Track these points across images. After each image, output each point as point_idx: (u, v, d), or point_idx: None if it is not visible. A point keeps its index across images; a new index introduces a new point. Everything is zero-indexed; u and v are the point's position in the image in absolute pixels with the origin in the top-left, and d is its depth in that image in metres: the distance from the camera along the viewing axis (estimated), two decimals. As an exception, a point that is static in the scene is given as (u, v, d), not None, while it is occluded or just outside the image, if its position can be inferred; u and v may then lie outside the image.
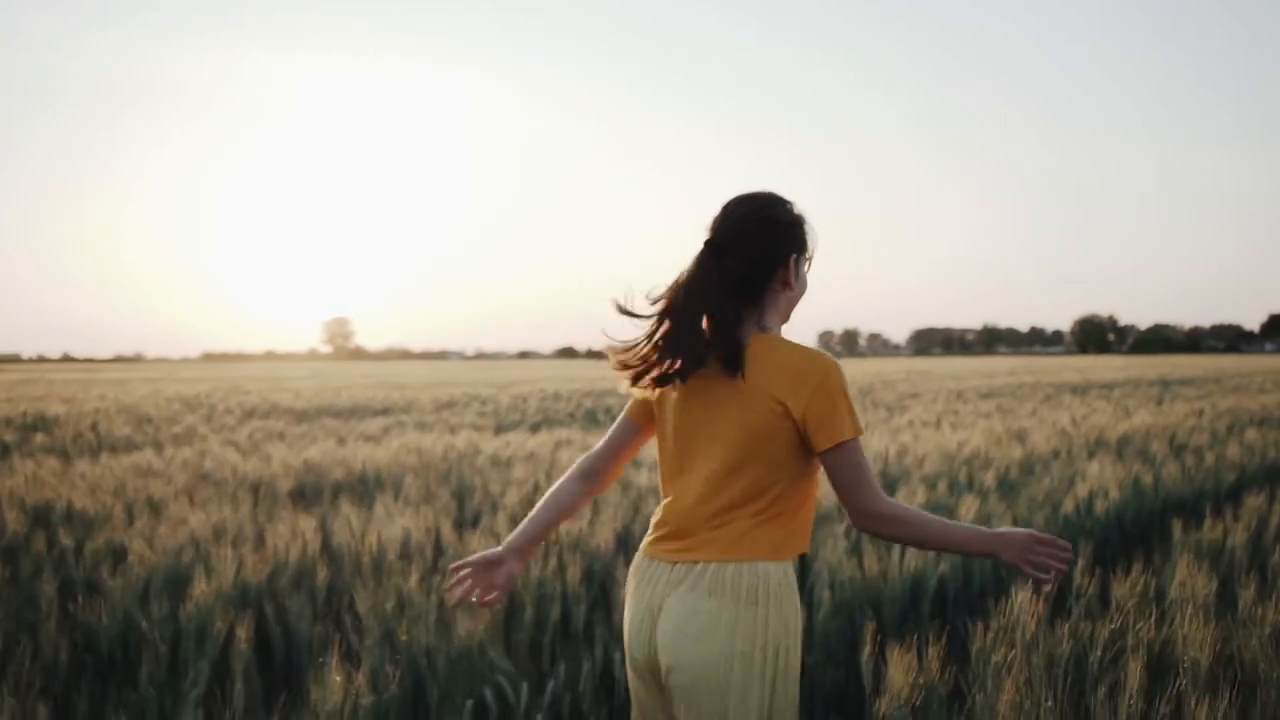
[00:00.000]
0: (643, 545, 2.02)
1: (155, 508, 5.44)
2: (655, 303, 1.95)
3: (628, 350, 1.96)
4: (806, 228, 2.00)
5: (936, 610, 4.15)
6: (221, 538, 4.58)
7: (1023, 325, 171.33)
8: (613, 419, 13.63)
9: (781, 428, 1.88)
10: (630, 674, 2.02)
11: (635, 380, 1.95)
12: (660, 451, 2.04)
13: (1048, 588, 1.96)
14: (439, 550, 4.34)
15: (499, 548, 2.08)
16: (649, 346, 1.93)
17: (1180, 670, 2.52)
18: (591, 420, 13.47)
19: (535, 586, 3.79)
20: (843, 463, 1.87)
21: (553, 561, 3.88)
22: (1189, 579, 3.26)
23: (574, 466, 2.15)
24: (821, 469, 1.94)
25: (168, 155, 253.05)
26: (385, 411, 14.38)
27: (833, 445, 1.86)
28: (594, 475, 2.13)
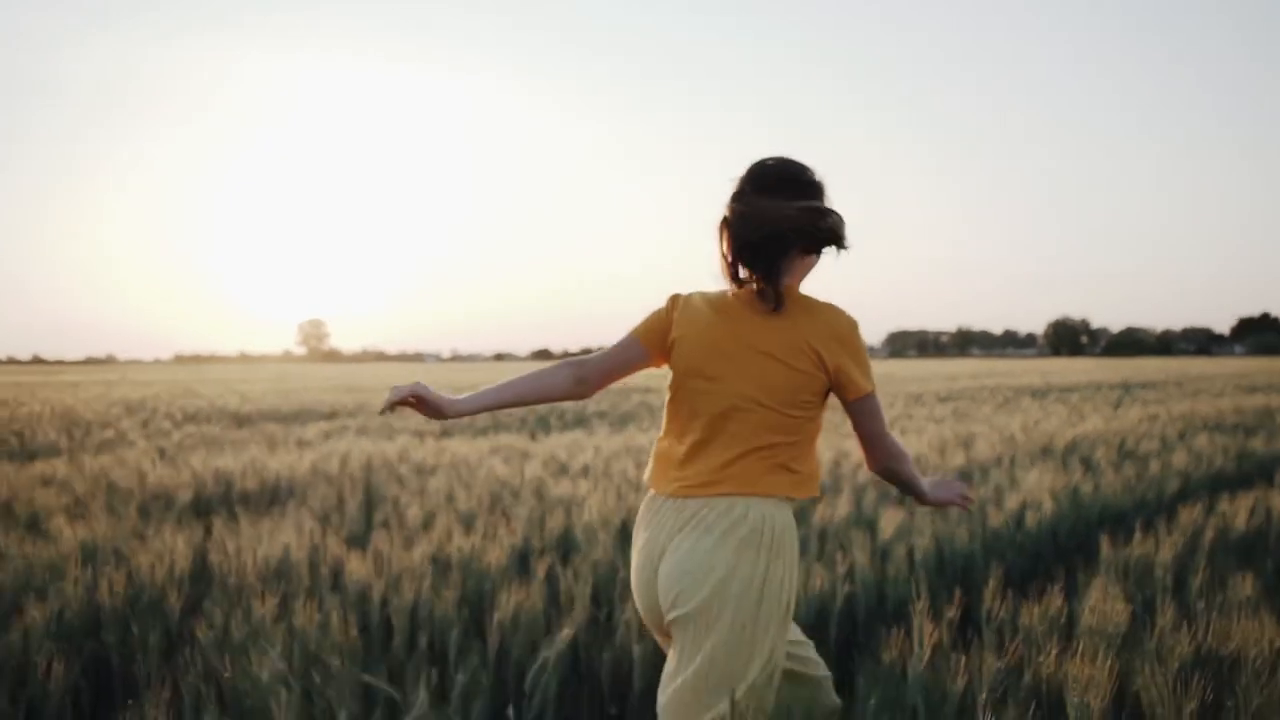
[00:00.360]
0: (659, 482, 2.05)
1: (35, 521, 5.10)
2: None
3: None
4: (825, 194, 2.06)
5: (846, 631, 3.88)
6: (93, 556, 4.26)
7: (996, 328, 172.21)
8: (566, 425, 13.45)
9: (815, 375, 1.98)
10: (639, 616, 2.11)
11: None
12: (679, 389, 2.07)
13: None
14: (314, 570, 4.02)
15: (455, 398, 2.08)
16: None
17: (1069, 713, 2.25)
18: (543, 425, 13.16)
19: (408, 611, 3.49)
20: (868, 410, 2.04)
21: (427, 582, 3.58)
22: (1101, 604, 2.99)
23: (565, 363, 2.14)
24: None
25: (146, 157, 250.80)
26: (331, 416, 14.01)
27: (860, 395, 2.01)
28: (584, 380, 2.14)
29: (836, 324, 2.01)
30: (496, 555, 4.05)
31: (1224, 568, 3.93)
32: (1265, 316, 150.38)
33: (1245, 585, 3.33)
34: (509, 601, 3.40)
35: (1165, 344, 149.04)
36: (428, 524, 4.81)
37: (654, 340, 2.12)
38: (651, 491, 2.09)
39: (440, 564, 4.08)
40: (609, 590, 3.80)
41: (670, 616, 1.97)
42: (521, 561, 4.19)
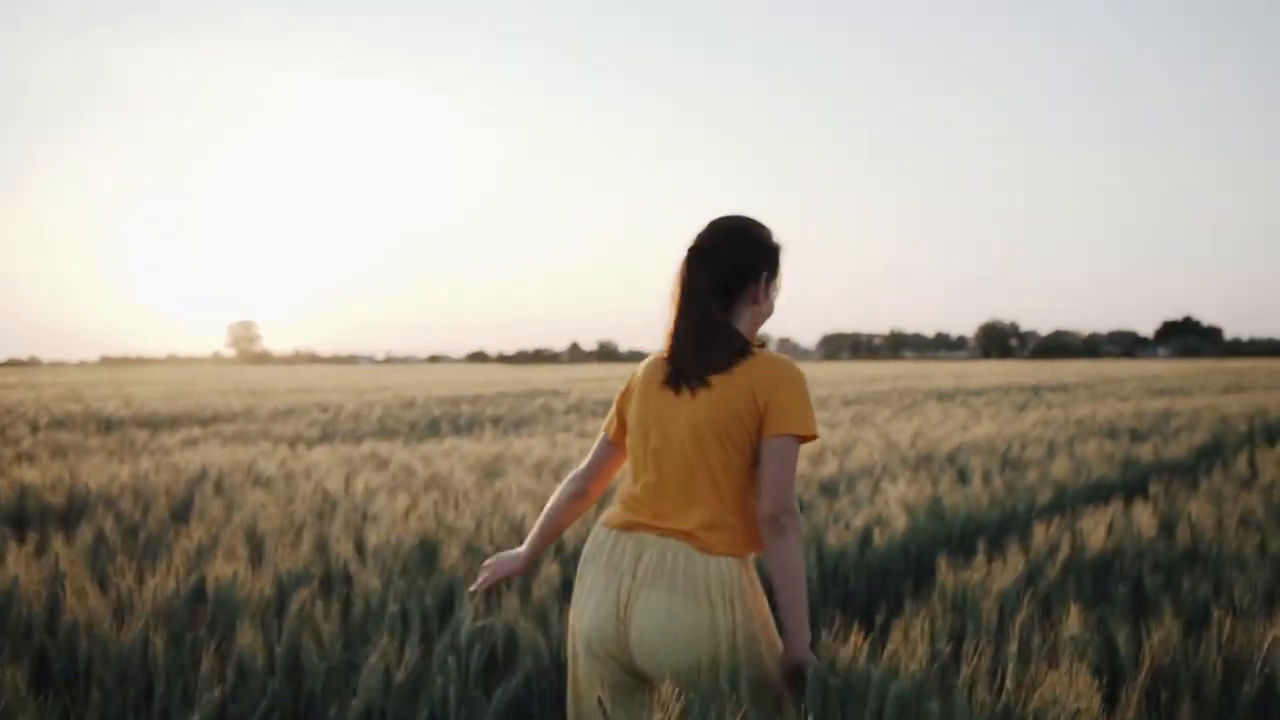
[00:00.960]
0: (607, 518, 2.09)
1: None
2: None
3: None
4: (781, 255, 2.14)
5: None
6: None
7: (929, 330, 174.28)
8: (458, 429, 12.92)
9: (751, 415, 2.00)
10: (583, 656, 2.07)
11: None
12: (630, 438, 2.12)
13: None
14: (27, 616, 3.44)
15: (513, 556, 2.30)
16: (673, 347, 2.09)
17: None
18: (433, 430, 12.60)
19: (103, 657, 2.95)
20: (777, 452, 1.97)
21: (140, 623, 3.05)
22: (901, 647, 2.55)
23: (564, 483, 2.27)
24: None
25: (69, 157, 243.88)
26: (210, 421, 13.29)
27: (777, 434, 1.97)
28: (584, 494, 2.25)
29: (776, 368, 2.04)
30: (259, 586, 3.54)
31: (1067, 594, 3.55)
32: (1188, 320, 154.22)
33: (1073, 621, 2.93)
34: (233, 646, 2.89)
35: (1092, 346, 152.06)
36: (204, 550, 4.25)
37: (615, 429, 2.21)
38: (602, 525, 2.12)
39: (190, 596, 3.55)
40: (363, 627, 3.30)
41: (655, 677, 2.00)
42: (281, 593, 3.67)
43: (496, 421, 13.32)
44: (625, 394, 2.20)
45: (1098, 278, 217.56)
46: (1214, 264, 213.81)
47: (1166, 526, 4.46)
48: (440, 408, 15.09)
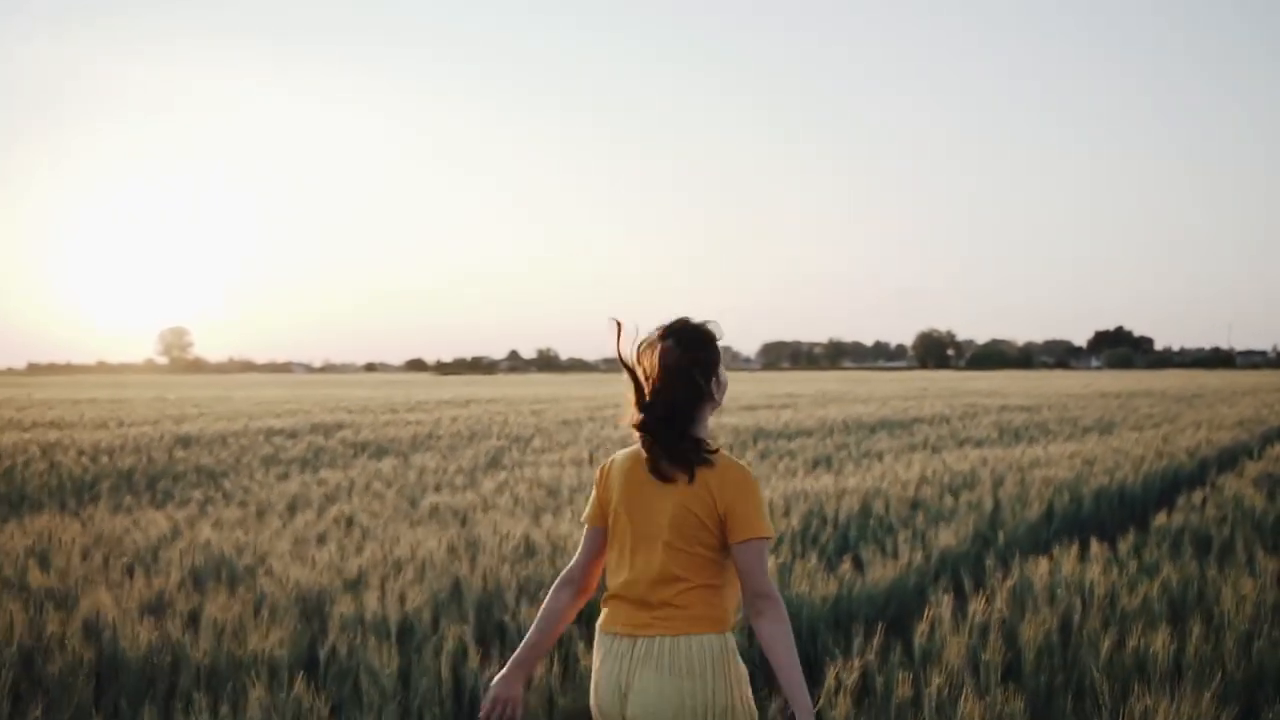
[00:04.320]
0: (602, 622, 2.34)
1: None
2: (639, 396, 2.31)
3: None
4: (717, 345, 2.35)
5: None
6: None
7: (868, 339, 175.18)
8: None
9: (708, 514, 2.24)
10: None
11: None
12: (610, 537, 2.36)
13: None
14: None
15: (504, 670, 2.42)
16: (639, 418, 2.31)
17: None
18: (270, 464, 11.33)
19: None
20: (749, 554, 2.23)
21: None
22: None
23: (557, 586, 2.44)
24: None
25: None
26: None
27: (743, 539, 2.22)
28: (574, 586, 2.44)
29: (731, 475, 2.26)
30: None
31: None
32: (1119, 330, 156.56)
33: None
34: None
35: (1027, 356, 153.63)
36: None
37: (598, 517, 2.40)
38: (601, 631, 2.34)
39: None
40: None
41: None
42: None
43: (364, 448, 12.05)
44: (603, 484, 2.39)
45: (1033, 288, 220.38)
46: (1146, 276, 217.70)
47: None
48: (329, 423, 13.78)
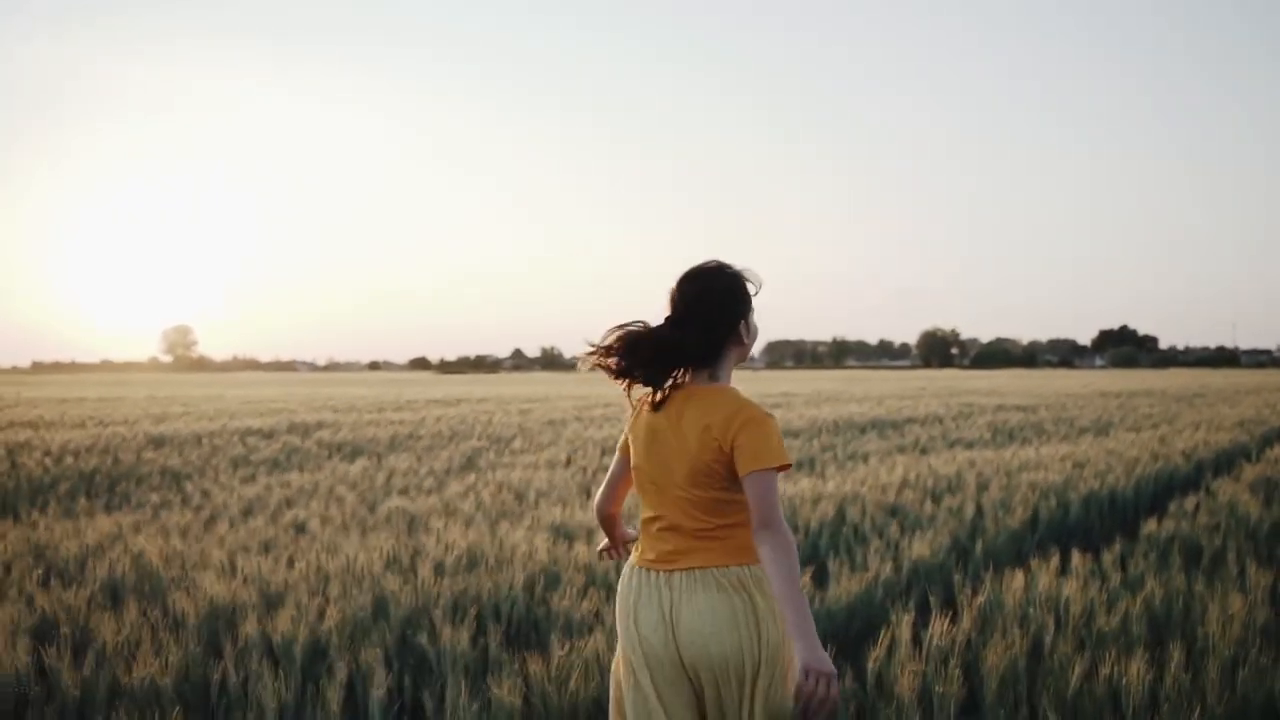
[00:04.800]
0: (634, 559, 2.39)
1: None
2: (616, 333, 2.31)
3: (597, 354, 2.33)
4: (749, 285, 2.37)
5: None
6: None
7: (872, 338, 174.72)
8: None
9: (718, 457, 2.25)
10: (653, 674, 2.27)
11: (617, 375, 2.34)
12: (635, 476, 2.43)
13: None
14: None
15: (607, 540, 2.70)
16: (614, 358, 2.31)
17: None
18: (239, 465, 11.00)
19: None
20: (753, 486, 2.21)
21: None
22: None
23: (596, 502, 2.63)
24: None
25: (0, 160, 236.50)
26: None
27: (747, 472, 2.22)
28: (605, 512, 2.62)
29: (735, 412, 2.25)
30: None
31: None
32: (1124, 329, 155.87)
33: None
34: None
35: (1031, 355, 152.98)
36: None
37: (625, 448, 2.50)
38: (632, 561, 2.40)
39: None
40: None
41: (701, 668, 2.25)
42: None
43: (339, 448, 11.73)
44: (634, 420, 2.44)
45: (1037, 287, 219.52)
46: (1150, 275, 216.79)
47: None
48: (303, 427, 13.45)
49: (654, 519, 2.34)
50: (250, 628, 3.81)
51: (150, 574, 5.08)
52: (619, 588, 2.39)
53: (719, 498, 2.27)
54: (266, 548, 5.89)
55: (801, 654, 2.07)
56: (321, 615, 4.02)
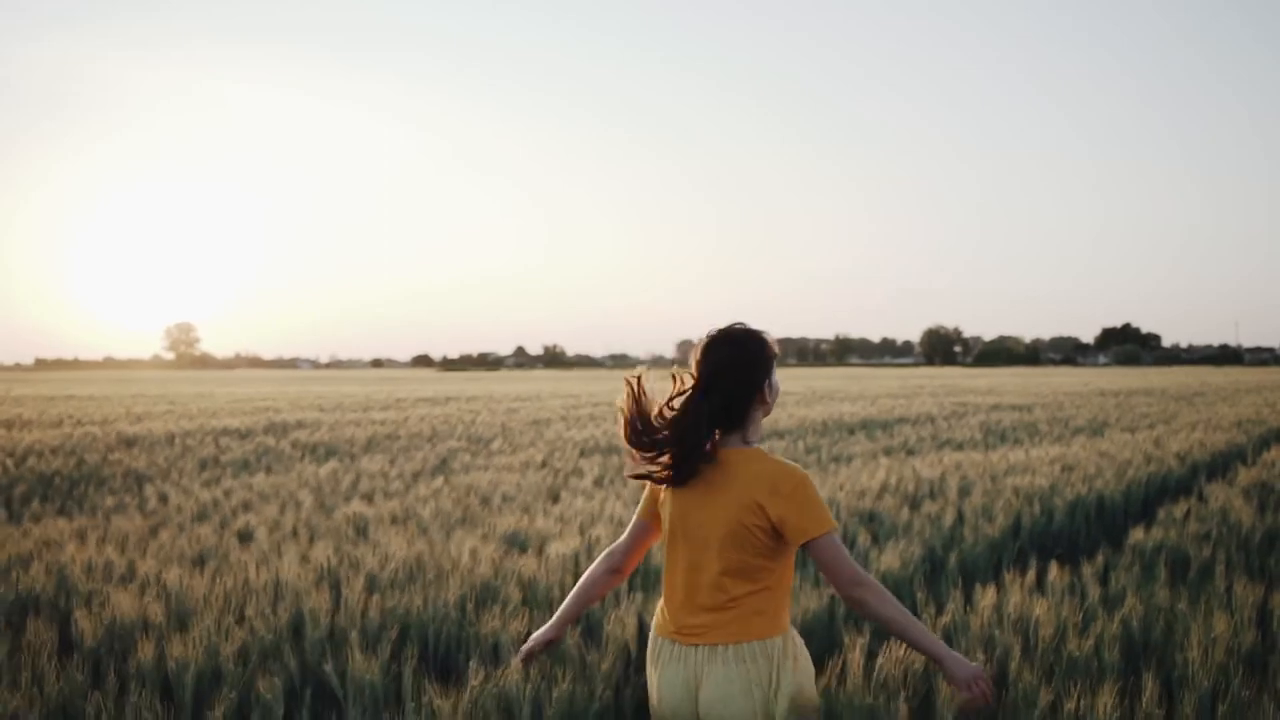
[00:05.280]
0: (658, 626, 2.49)
1: None
2: (661, 431, 2.41)
3: (647, 459, 2.43)
4: (770, 348, 2.46)
5: None
6: None
7: (875, 336, 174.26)
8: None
9: (761, 524, 2.34)
10: None
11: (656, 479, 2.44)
12: (667, 544, 2.48)
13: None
14: None
15: (547, 627, 2.78)
16: (664, 458, 2.41)
17: None
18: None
19: None
20: (822, 552, 2.33)
21: None
22: None
23: (600, 560, 2.68)
24: (796, 553, 2.42)
25: (3, 159, 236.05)
26: None
27: (807, 540, 2.33)
28: (615, 570, 2.66)
29: (780, 479, 2.34)
30: None
31: None
32: (1127, 327, 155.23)
33: None
34: None
35: (1034, 352, 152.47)
36: None
37: (650, 512, 2.58)
38: (654, 632, 2.50)
39: None
40: None
41: None
42: None
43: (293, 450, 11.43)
44: (655, 486, 2.53)
45: (1040, 285, 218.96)
46: (1153, 273, 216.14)
47: None
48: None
49: (678, 589, 2.44)
50: (147, 652, 3.50)
51: (71, 587, 4.78)
52: (647, 653, 2.54)
53: (752, 563, 2.36)
54: (202, 558, 5.59)
55: (956, 671, 2.37)
56: (228, 635, 3.72)
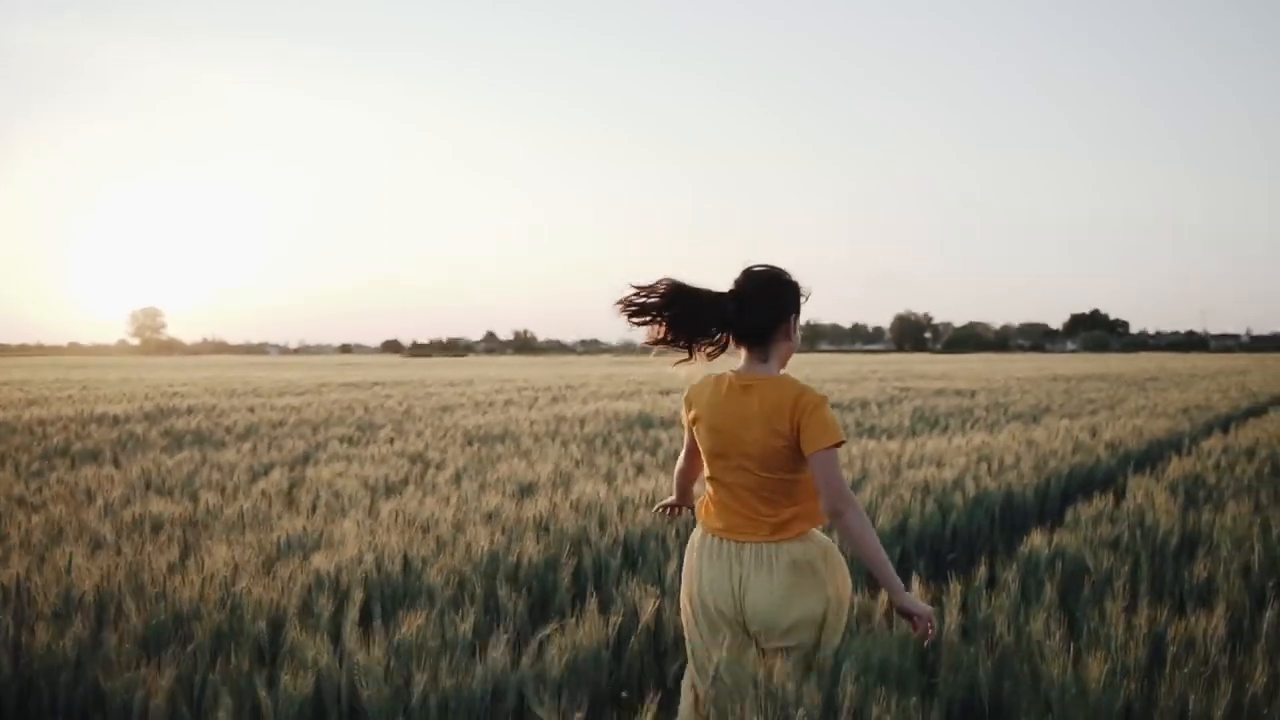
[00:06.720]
0: (706, 521, 2.66)
1: None
2: (651, 293, 2.54)
3: (641, 293, 2.55)
4: (800, 290, 2.64)
5: None
6: None
7: (846, 321, 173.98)
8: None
9: (788, 442, 2.49)
10: (700, 620, 2.63)
11: (683, 349, 2.60)
12: (705, 457, 2.67)
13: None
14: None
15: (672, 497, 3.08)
16: (663, 329, 2.57)
17: None
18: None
19: None
20: (822, 464, 2.47)
21: None
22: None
23: (678, 467, 2.94)
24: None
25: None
26: None
27: (811, 451, 2.47)
28: (685, 476, 2.94)
29: (799, 397, 2.50)
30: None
31: None
32: (1095, 313, 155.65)
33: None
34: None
35: (1003, 339, 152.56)
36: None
37: (690, 433, 2.75)
38: (700, 527, 2.68)
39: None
40: None
41: (770, 643, 2.56)
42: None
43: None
44: (687, 409, 2.72)
45: (1011, 272, 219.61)
46: (1122, 261, 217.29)
47: None
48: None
49: (722, 491, 2.61)
50: None
51: None
52: (689, 548, 2.70)
53: (786, 479, 2.52)
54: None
55: (904, 605, 2.53)
56: None
